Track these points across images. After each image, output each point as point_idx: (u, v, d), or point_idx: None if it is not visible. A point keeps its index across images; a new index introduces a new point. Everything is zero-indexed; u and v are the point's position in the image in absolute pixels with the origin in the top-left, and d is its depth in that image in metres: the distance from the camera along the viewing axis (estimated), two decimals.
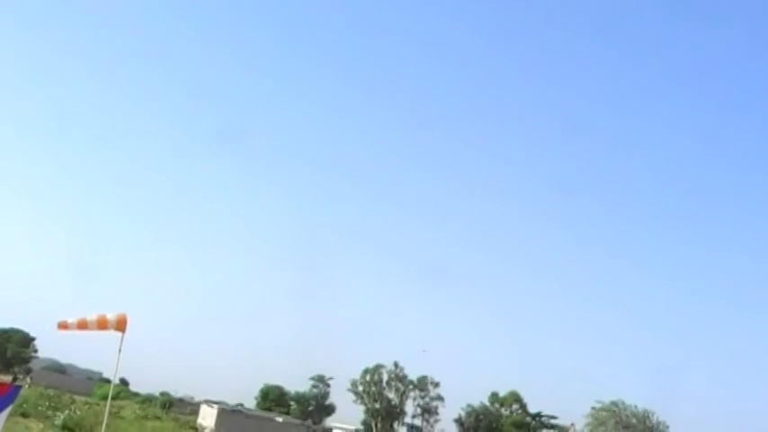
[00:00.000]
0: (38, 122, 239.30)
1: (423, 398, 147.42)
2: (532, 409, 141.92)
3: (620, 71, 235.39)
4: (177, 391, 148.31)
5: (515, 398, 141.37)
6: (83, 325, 21.83)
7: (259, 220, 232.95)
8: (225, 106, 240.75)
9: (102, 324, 21.73)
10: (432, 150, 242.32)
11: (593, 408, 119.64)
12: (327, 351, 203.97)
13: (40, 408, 61.44)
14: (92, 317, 21.83)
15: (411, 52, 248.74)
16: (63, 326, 21.89)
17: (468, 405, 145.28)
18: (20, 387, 26.28)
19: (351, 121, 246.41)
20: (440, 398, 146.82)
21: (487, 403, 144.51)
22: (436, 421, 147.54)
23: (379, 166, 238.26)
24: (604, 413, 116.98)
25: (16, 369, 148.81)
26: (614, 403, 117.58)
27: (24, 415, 55.96)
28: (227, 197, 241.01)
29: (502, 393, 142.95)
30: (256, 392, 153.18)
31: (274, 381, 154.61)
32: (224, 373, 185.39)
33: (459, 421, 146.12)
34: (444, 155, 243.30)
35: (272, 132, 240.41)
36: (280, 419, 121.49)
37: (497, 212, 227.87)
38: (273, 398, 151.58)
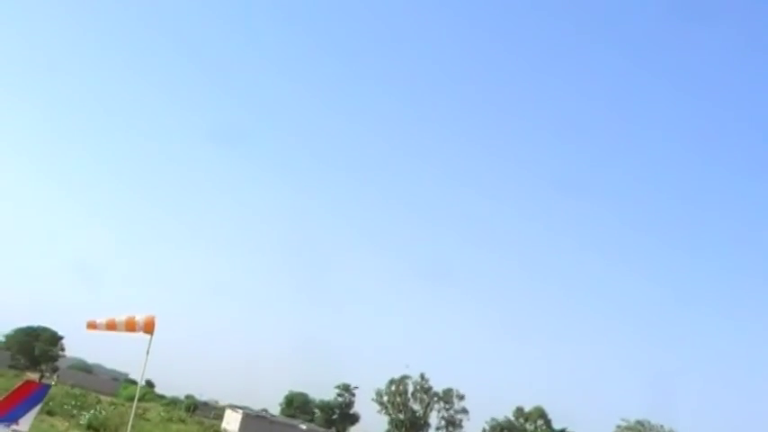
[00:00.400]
0: (39, 124, 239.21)
1: (447, 410, 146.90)
2: (557, 426, 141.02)
3: (620, 71, 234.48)
4: (202, 395, 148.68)
5: (540, 413, 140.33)
6: (111, 326, 21.85)
7: (272, 221, 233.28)
8: (227, 106, 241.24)
9: (130, 326, 21.73)
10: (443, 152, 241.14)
11: (618, 426, 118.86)
12: (353, 360, 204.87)
13: (66, 406, 61.67)
14: (121, 318, 21.83)
15: (413, 50, 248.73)
16: (92, 326, 21.91)
17: (493, 419, 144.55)
18: (49, 386, 26.41)
19: (353, 119, 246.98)
20: (464, 411, 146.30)
21: (512, 418, 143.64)
22: None
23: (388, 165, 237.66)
24: None
25: (43, 367, 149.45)
26: (640, 422, 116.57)
27: (50, 413, 56.13)
28: (243, 198, 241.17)
29: (527, 408, 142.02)
30: (281, 399, 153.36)
31: (299, 388, 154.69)
32: (249, 379, 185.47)
33: None
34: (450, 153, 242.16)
35: (274, 132, 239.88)
36: (304, 426, 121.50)
37: (505, 214, 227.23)
38: (298, 405, 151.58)
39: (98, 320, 21.82)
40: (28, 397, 23.87)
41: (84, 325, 21.95)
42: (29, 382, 26.99)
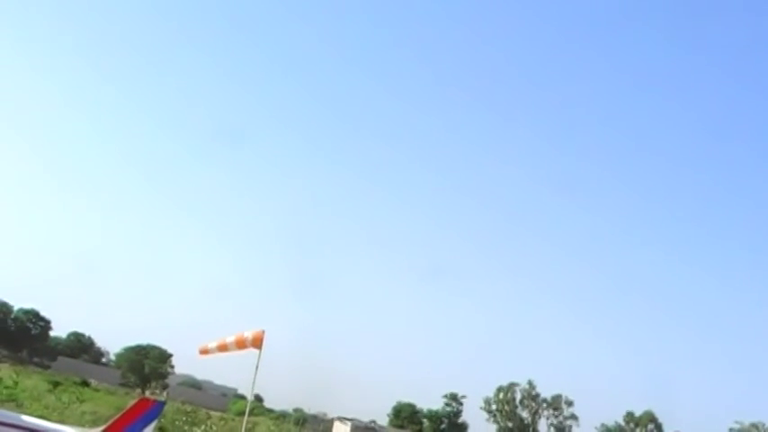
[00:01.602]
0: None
1: (556, 417, 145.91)
2: (668, 429, 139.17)
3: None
4: (310, 408, 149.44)
5: (650, 417, 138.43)
6: (223, 347, 22.14)
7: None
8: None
9: (240, 343, 21.96)
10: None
11: (731, 429, 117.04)
12: (459, 368, 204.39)
13: (177, 423, 62.30)
14: (230, 338, 22.09)
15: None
16: (204, 351, 22.26)
17: (603, 425, 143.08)
18: (163, 403, 26.76)
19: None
20: (574, 417, 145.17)
21: (623, 423, 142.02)
22: None
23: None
24: None
25: (153, 384, 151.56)
26: (755, 425, 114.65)
27: (162, 430, 56.84)
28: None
29: (637, 412, 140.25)
30: (389, 410, 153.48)
31: (407, 398, 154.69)
32: (356, 390, 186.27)
33: None
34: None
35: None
36: None
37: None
38: (406, 415, 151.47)
39: (209, 345, 22.12)
40: (143, 414, 24.19)
41: (197, 352, 22.29)
42: (144, 400, 27.37)
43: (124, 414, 24.57)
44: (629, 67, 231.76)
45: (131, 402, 27.78)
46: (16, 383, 53.19)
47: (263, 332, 22.03)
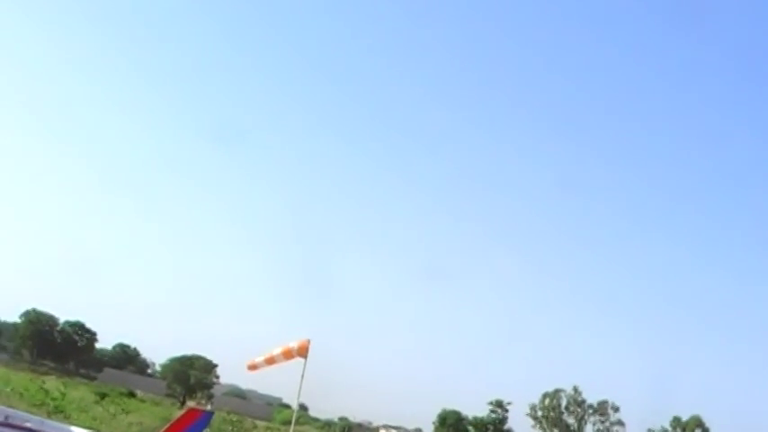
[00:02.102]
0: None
1: (602, 422, 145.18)
2: None
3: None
4: (355, 417, 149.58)
5: (697, 422, 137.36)
6: (270, 361, 22.27)
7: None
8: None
9: (287, 354, 22.07)
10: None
11: None
12: (504, 374, 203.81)
13: None
14: (277, 350, 22.21)
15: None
16: (252, 367, 22.42)
17: (650, 430, 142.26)
18: (212, 414, 26.93)
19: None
20: (620, 423, 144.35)
21: (669, 428, 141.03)
22: None
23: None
24: None
25: (199, 395, 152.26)
26: None
27: None
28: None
29: (684, 417, 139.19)
30: (434, 417, 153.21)
31: (452, 405, 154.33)
32: (402, 398, 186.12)
33: None
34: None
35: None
36: None
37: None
38: (451, 423, 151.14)
39: (257, 360, 22.26)
40: (192, 424, 24.33)
41: (246, 368, 22.43)
42: (192, 410, 27.54)
43: (173, 424, 24.73)
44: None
45: (178, 413, 27.98)
46: (63, 395, 53.57)
47: (309, 341, 22.11)
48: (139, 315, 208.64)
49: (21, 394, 49.37)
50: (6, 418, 25.47)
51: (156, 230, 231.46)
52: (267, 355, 22.28)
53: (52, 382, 69.96)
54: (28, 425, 25.73)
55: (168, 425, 25.19)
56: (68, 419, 37.27)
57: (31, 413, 31.66)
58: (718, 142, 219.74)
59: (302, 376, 22.17)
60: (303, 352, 22.00)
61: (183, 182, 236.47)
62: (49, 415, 36.62)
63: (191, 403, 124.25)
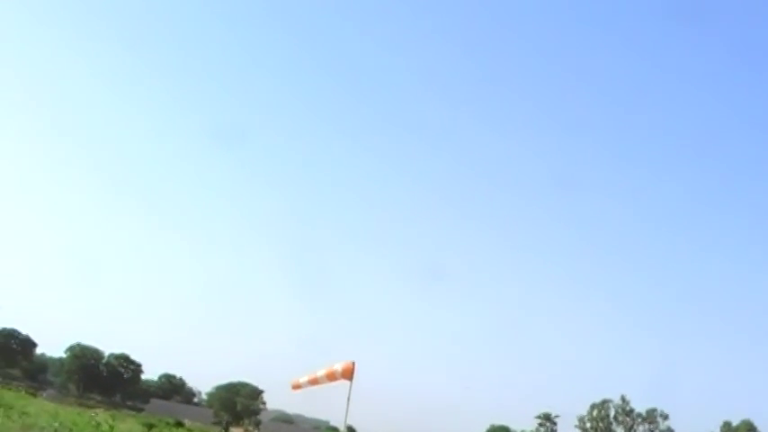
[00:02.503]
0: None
1: (652, 431, 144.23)
2: None
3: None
4: None
5: (748, 427, 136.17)
6: (314, 381, 22.21)
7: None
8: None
9: (331, 376, 21.96)
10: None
11: None
12: (550, 387, 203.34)
13: None
14: (321, 371, 22.13)
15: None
16: (296, 386, 22.38)
17: None
18: None
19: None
20: (670, 430, 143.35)
21: None
22: None
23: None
24: None
25: (246, 422, 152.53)
26: None
27: None
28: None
29: (735, 422, 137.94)
30: None
31: (500, 421, 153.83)
32: (449, 416, 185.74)
33: None
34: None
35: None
36: None
37: None
38: None
39: (301, 379, 22.24)
40: None
41: (289, 387, 22.41)
42: None
43: None
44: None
45: None
46: (112, 427, 53.74)
47: (354, 363, 22.04)
48: (182, 345, 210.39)
49: (70, 429, 49.58)
50: None
51: (185, 253, 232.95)
52: (311, 376, 22.26)
53: (101, 415, 70.28)
54: None
55: None
56: None
57: None
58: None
59: (348, 398, 22.10)
60: (348, 374, 21.92)
61: (207, 199, 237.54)
62: None
63: (236, 430, 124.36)
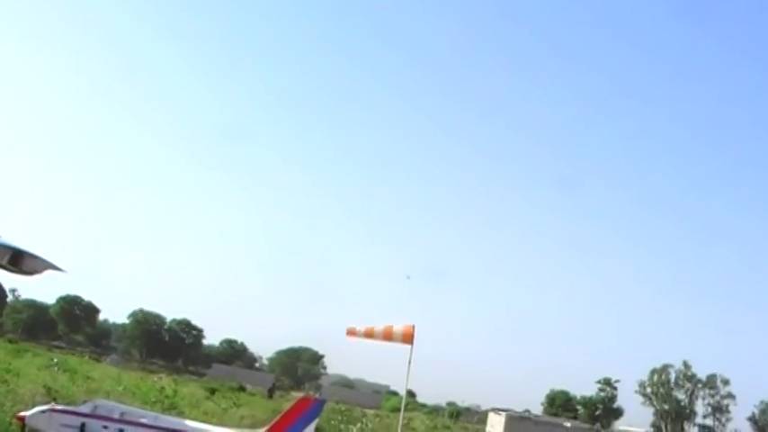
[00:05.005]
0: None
1: (713, 396, 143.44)
2: None
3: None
4: (464, 401, 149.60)
5: None
6: (370, 333, 22.07)
7: None
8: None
9: (387, 335, 21.86)
10: None
11: None
12: (610, 352, 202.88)
13: (332, 422, 62.99)
14: (379, 327, 22.04)
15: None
16: (351, 332, 22.24)
17: (762, 402, 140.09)
18: (324, 401, 27.31)
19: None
20: (731, 396, 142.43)
21: None
22: (728, 420, 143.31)
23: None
24: None
25: (307, 386, 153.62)
26: None
27: (318, 429, 57.54)
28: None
29: None
30: (542, 398, 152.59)
31: (560, 386, 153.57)
32: (509, 381, 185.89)
33: (752, 419, 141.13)
34: None
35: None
36: (568, 424, 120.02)
37: None
38: (560, 403, 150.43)
39: (357, 328, 22.13)
40: (305, 413, 24.69)
41: (345, 331, 22.33)
42: (305, 399, 27.94)
43: (286, 413, 25.19)
44: None
45: (289, 404, 28.37)
46: (175, 392, 54.40)
47: (414, 327, 21.97)
48: (243, 310, 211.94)
49: (133, 393, 50.27)
50: (122, 414, 26.13)
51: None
52: (368, 328, 22.16)
53: (163, 380, 71.14)
54: (143, 420, 26.34)
55: (282, 414, 25.66)
56: (181, 415, 37.81)
57: (145, 411, 32.27)
58: None
59: (409, 362, 22.06)
60: (408, 338, 21.81)
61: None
62: (162, 412, 37.24)
63: (296, 394, 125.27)
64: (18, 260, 13.91)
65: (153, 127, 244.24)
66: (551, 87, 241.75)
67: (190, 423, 28.19)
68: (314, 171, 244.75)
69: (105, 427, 25.21)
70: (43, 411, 25.58)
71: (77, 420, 25.35)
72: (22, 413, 25.75)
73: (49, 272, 14.70)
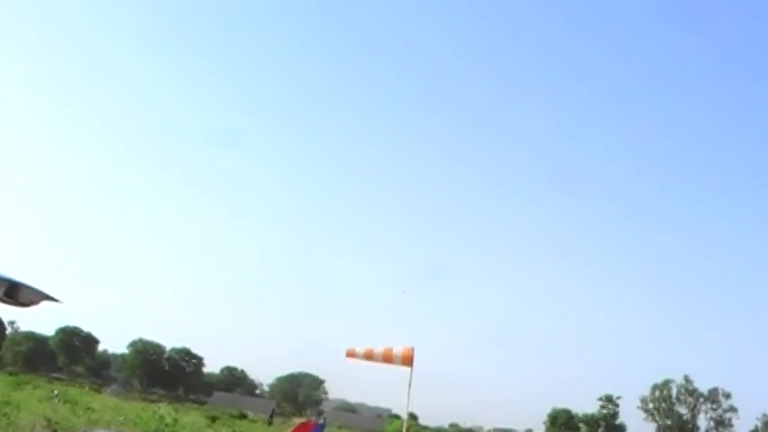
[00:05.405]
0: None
1: (715, 410, 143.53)
2: None
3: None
4: (465, 422, 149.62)
5: None
6: (369, 355, 22.13)
7: None
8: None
9: (387, 357, 21.93)
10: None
11: None
12: (609, 369, 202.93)
13: None
14: (379, 349, 22.12)
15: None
16: (351, 354, 22.29)
17: (765, 414, 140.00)
18: (323, 425, 27.34)
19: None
20: (733, 409, 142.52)
21: None
22: None
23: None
24: None
25: (308, 411, 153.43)
26: None
27: None
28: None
29: None
30: (544, 417, 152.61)
31: (561, 404, 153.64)
32: (510, 401, 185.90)
33: None
34: None
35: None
36: None
37: None
38: (562, 422, 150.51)
39: (357, 349, 22.17)
40: None
41: (344, 353, 22.37)
42: (305, 424, 28.01)
43: None
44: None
45: (289, 429, 28.46)
46: (176, 420, 54.33)
47: (413, 349, 22.02)
48: (241, 338, 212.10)
49: (135, 423, 50.26)
50: None
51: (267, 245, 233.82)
52: (368, 349, 22.21)
53: (164, 409, 71.12)
54: None
55: None
56: None
57: None
58: None
59: (409, 385, 22.11)
60: (408, 361, 21.83)
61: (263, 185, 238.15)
62: None
63: (298, 420, 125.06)
64: (14, 292, 13.97)
65: (140, 146, 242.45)
66: (542, 94, 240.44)
67: None
68: (302, 183, 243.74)
69: None
70: None
71: None
72: None
73: (45, 303, 14.77)
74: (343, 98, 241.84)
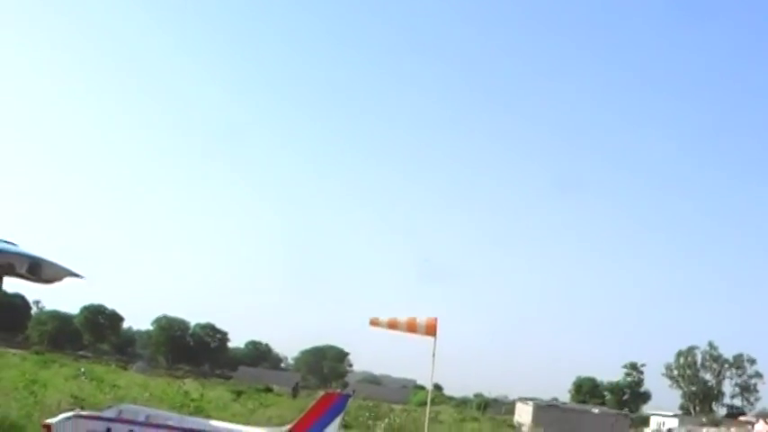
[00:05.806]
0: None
1: (740, 376, 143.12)
2: None
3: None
4: (491, 392, 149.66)
5: None
6: (393, 324, 22.04)
7: None
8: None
9: (411, 327, 21.85)
10: None
11: None
12: (635, 335, 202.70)
13: (360, 418, 62.96)
14: (402, 318, 22.04)
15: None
16: (374, 322, 22.20)
17: None
18: (349, 396, 27.30)
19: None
20: (758, 375, 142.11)
21: None
22: (756, 399, 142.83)
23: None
24: None
25: (333, 384, 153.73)
26: None
27: (347, 426, 57.51)
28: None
29: None
30: (569, 386, 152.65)
31: (586, 373, 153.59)
32: (535, 371, 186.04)
33: None
34: None
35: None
36: (596, 411, 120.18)
37: None
38: (587, 390, 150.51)
39: (381, 318, 22.08)
40: (330, 407, 24.70)
41: (368, 321, 22.26)
42: (329, 394, 27.94)
43: (311, 409, 25.22)
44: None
45: (315, 400, 28.44)
46: (201, 395, 54.51)
47: (437, 320, 21.92)
48: (266, 312, 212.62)
49: (160, 398, 50.35)
50: (147, 417, 26.23)
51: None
52: (391, 319, 22.12)
53: (190, 384, 71.27)
54: (169, 422, 26.45)
55: (307, 410, 25.69)
56: (208, 418, 37.86)
57: (171, 413, 32.34)
58: None
59: (433, 356, 22.02)
60: (431, 331, 21.74)
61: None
62: (189, 415, 37.31)
63: (321, 392, 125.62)
64: (37, 269, 13.97)
65: (164, 127, 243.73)
66: (565, 80, 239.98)
67: (215, 423, 28.33)
68: (323, 165, 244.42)
69: (131, 431, 25.31)
70: (68, 418, 25.61)
71: (103, 425, 25.43)
72: (48, 421, 25.84)
73: (68, 279, 14.76)
74: (364, 81, 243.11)
